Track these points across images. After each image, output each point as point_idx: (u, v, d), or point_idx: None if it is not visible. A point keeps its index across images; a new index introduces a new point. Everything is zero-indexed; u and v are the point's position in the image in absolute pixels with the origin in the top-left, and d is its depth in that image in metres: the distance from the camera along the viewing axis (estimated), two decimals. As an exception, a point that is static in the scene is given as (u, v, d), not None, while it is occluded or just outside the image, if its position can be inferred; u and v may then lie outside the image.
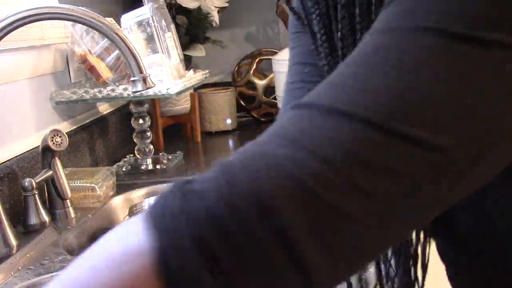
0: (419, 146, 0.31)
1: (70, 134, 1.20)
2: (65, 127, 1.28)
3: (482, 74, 0.32)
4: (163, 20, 1.33)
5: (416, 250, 0.58)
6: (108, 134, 1.50)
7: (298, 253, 0.30)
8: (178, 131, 1.79)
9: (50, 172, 1.04)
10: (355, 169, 0.31)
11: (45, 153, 1.05)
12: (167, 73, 1.29)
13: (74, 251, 0.99)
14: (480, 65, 0.32)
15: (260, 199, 0.30)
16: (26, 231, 0.99)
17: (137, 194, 1.23)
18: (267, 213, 0.30)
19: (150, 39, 1.28)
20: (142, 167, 1.42)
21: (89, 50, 1.29)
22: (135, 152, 1.43)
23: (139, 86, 0.92)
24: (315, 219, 0.30)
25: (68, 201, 1.07)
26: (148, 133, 1.43)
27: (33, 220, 0.99)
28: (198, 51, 1.71)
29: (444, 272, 0.55)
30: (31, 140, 1.13)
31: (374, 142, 0.31)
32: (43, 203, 1.03)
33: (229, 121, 1.79)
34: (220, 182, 0.31)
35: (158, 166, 1.41)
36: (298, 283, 0.31)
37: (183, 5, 1.65)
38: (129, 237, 0.32)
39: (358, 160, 0.31)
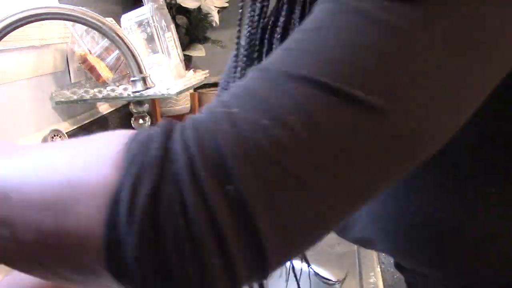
0: (372, 112, 0.30)
1: (70, 134, 1.20)
2: (65, 127, 1.28)
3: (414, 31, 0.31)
4: (163, 20, 1.33)
5: None
6: (108, 134, 1.50)
7: (249, 216, 0.29)
8: (178, 131, 1.79)
9: (50, 172, 1.04)
10: (313, 136, 0.30)
11: (45, 153, 1.04)
12: (167, 73, 1.29)
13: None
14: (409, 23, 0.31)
15: (220, 162, 0.29)
16: (26, 231, 0.98)
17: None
18: (225, 176, 0.29)
19: (150, 39, 1.28)
20: (142, 167, 1.41)
21: (89, 50, 1.29)
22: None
23: (139, 86, 0.92)
24: (271, 184, 0.29)
25: (68, 201, 1.07)
26: (148, 133, 1.43)
27: (33, 220, 0.99)
28: (198, 51, 1.71)
29: None
30: (31, 140, 1.13)
31: (333, 108, 0.30)
32: (43, 203, 1.03)
33: (229, 121, 1.79)
34: (189, 143, 0.30)
35: (158, 166, 1.41)
36: (249, 251, 0.30)
37: (183, 5, 1.65)
38: (98, 164, 0.31)
39: (315, 125, 0.30)
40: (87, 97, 1.27)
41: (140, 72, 0.92)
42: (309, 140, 0.30)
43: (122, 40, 0.91)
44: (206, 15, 1.70)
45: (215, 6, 1.72)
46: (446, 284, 0.51)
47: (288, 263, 0.81)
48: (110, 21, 0.96)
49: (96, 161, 0.31)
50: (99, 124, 1.46)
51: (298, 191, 0.30)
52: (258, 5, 0.49)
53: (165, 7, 1.38)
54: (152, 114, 1.57)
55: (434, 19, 0.31)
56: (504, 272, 0.47)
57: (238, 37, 0.52)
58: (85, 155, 0.32)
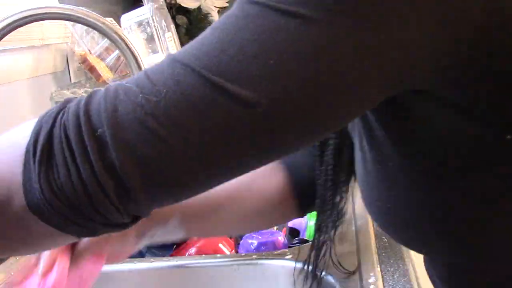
0: (231, 99, 0.36)
1: (70, 134, 1.20)
2: (65, 127, 1.28)
3: (283, 40, 0.36)
4: (163, 20, 1.33)
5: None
6: (108, 134, 1.50)
7: (109, 153, 0.37)
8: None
9: (50, 172, 1.04)
10: (177, 109, 0.37)
11: (45, 153, 1.04)
12: (167, 73, 1.28)
13: (74, 251, 0.99)
14: (282, 32, 0.36)
15: (98, 114, 0.38)
16: (26, 231, 0.98)
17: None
18: (98, 124, 0.38)
19: (150, 39, 1.29)
20: (142, 167, 1.41)
21: (89, 50, 1.29)
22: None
23: (139, 86, 0.92)
24: (130, 131, 0.37)
25: (68, 201, 1.07)
26: (148, 133, 1.42)
27: (33, 220, 0.99)
28: (198, 51, 1.70)
29: None
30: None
31: (195, 87, 0.37)
32: (43, 203, 1.03)
33: (229, 121, 1.79)
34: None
35: (158, 166, 1.41)
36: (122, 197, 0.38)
37: (183, 5, 1.65)
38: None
39: (181, 102, 0.37)
40: (87, 97, 1.27)
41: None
42: (172, 108, 0.37)
43: (122, 40, 0.91)
44: (206, 15, 1.70)
45: (215, 6, 1.73)
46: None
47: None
48: (110, 21, 0.96)
49: (22, 130, 0.42)
50: (99, 124, 1.45)
51: (150, 137, 0.37)
52: None
53: (165, 7, 1.38)
54: (152, 114, 1.56)
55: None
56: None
57: None
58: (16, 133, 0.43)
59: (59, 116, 0.40)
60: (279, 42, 0.36)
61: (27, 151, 0.39)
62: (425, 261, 0.58)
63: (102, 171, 0.37)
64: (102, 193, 0.38)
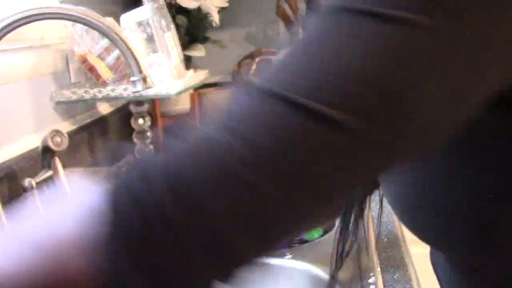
0: (338, 128, 0.32)
1: (70, 134, 1.20)
2: (65, 127, 1.28)
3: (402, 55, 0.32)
4: (163, 20, 1.33)
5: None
6: (108, 134, 1.50)
7: (224, 239, 0.32)
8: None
9: (50, 172, 1.04)
10: (277, 153, 0.32)
11: (45, 153, 1.05)
12: (167, 73, 1.29)
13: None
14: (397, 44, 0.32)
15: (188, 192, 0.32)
16: (26, 231, 0.98)
17: (137, 194, 1.22)
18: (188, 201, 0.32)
19: (150, 39, 1.29)
20: (142, 167, 1.41)
21: (89, 50, 1.29)
22: (135, 152, 1.43)
23: (139, 86, 0.92)
24: (239, 201, 0.31)
25: (68, 201, 1.07)
26: (148, 133, 1.43)
27: (33, 220, 0.99)
28: (198, 51, 1.71)
29: None
30: (31, 140, 1.13)
31: (296, 123, 0.32)
32: (43, 203, 1.03)
33: (229, 121, 1.79)
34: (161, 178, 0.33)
35: (158, 166, 1.41)
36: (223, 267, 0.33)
37: (183, 5, 1.65)
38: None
39: (282, 144, 0.32)
40: (87, 97, 1.27)
41: (140, 72, 0.92)
42: (271, 155, 0.32)
43: (122, 40, 0.91)
44: (206, 15, 1.70)
45: (215, 6, 1.72)
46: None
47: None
48: (110, 21, 0.96)
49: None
50: (99, 124, 1.45)
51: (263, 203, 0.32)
52: None
53: (165, 7, 1.38)
54: (152, 114, 1.57)
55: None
56: None
57: None
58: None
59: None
60: (391, 56, 0.32)
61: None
62: (431, 254, 0.58)
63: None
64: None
